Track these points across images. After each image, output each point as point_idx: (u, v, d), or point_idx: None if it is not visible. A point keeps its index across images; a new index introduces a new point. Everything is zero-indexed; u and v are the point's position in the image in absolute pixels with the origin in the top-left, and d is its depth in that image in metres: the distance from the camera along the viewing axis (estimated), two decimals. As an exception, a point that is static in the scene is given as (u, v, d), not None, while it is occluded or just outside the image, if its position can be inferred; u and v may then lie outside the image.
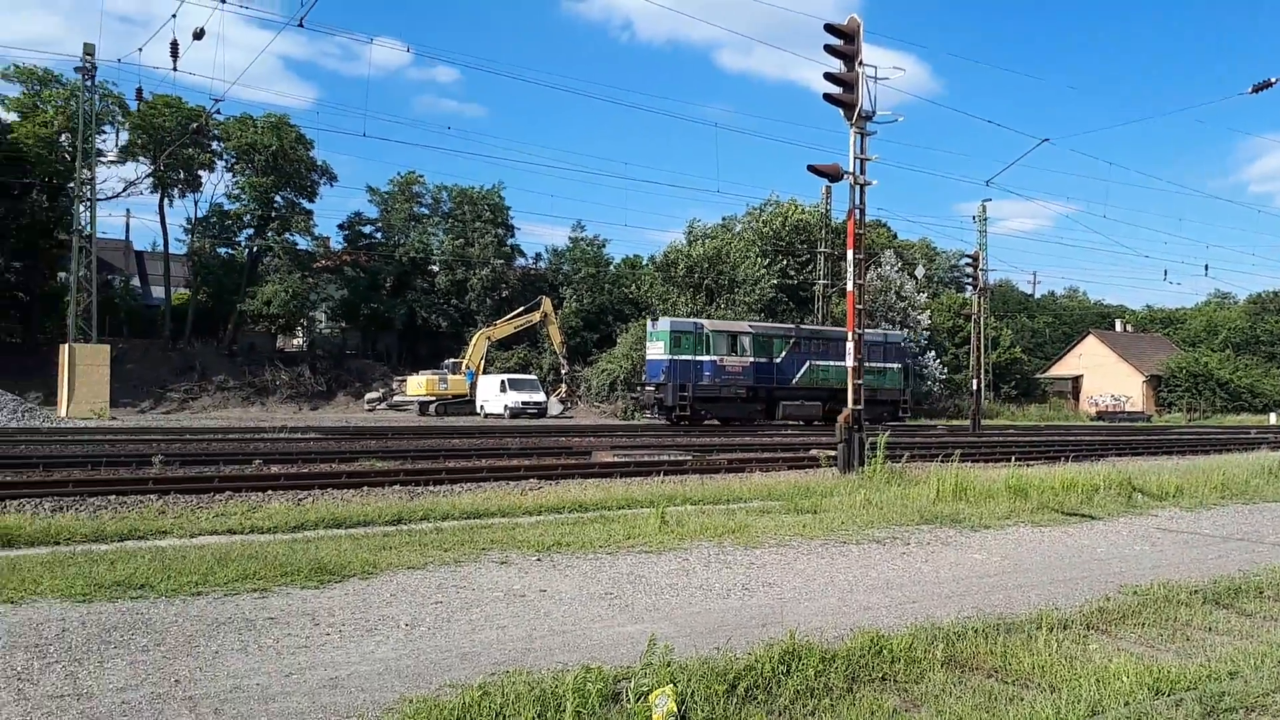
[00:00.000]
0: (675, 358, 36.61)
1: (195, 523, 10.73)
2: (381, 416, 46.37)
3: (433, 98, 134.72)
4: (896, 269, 59.47)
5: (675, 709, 4.70)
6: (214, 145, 53.26)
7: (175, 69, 26.97)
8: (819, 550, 9.83)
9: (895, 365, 42.53)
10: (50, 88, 46.50)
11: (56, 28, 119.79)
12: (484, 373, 48.78)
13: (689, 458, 20.34)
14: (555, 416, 47.10)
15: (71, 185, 41.08)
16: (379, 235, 62.34)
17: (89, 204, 40.12)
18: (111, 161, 48.49)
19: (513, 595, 7.50)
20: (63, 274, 44.98)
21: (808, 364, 40.10)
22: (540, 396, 47.10)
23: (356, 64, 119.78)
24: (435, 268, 59.22)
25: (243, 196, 54.18)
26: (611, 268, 64.05)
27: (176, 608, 6.81)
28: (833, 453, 18.50)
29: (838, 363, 37.79)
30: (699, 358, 37.02)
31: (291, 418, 40.96)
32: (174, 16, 22.96)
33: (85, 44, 39.36)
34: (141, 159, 50.03)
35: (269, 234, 54.27)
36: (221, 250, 56.47)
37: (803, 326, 43.52)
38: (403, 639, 6.23)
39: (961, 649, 6.08)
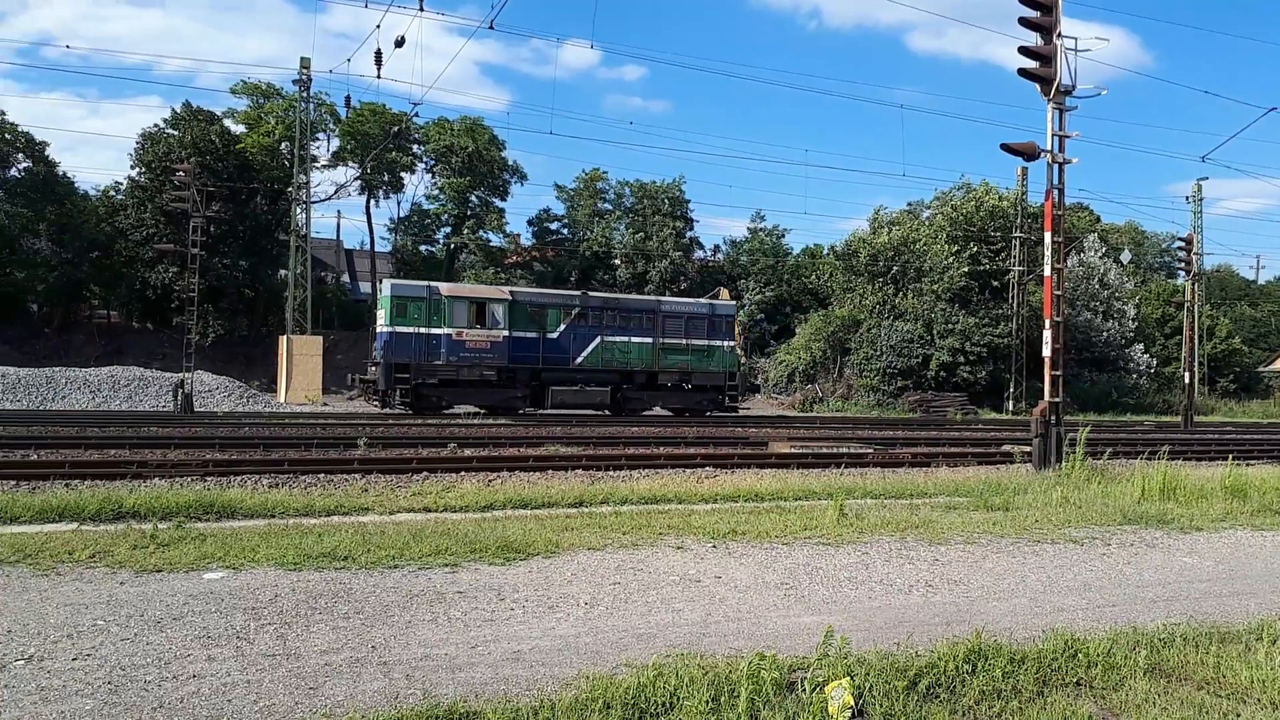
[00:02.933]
0: (397, 329, 29.17)
1: (394, 501, 11.41)
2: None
3: (620, 96, 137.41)
4: (1099, 254, 55.66)
5: (852, 702, 4.59)
6: (414, 149, 56.35)
7: (379, 76, 28.74)
8: (1009, 549, 9.34)
9: (724, 343, 34.35)
10: (272, 100, 50.60)
11: (280, 46, 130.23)
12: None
13: (870, 451, 19.82)
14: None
15: (290, 190, 44.57)
16: (565, 231, 64.21)
17: (305, 207, 43.40)
18: (324, 166, 52.33)
19: (688, 580, 7.54)
20: (282, 271, 48.91)
21: (598, 339, 32.05)
22: (718, 388, 47.08)
23: (547, 66, 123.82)
24: (617, 261, 60.38)
25: (441, 197, 57.11)
26: (791, 258, 63.27)
27: (375, 579, 7.26)
28: (1028, 448, 17.54)
29: (638, 339, 32.62)
30: (432, 330, 29.39)
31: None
32: (378, 27, 24.52)
33: (302, 58, 42.75)
34: (350, 163, 53.66)
35: (465, 232, 56.92)
36: (422, 248, 59.72)
37: (591, 294, 34.82)
38: (582, 617, 6.39)
39: (1167, 657, 5.62)
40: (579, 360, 31.70)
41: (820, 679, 4.84)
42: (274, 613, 6.24)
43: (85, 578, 7.11)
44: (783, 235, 63.52)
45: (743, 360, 37.41)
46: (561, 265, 61.42)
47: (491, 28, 20.55)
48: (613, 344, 32.18)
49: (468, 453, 16.93)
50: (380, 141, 49.81)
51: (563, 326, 31.62)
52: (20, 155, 45.23)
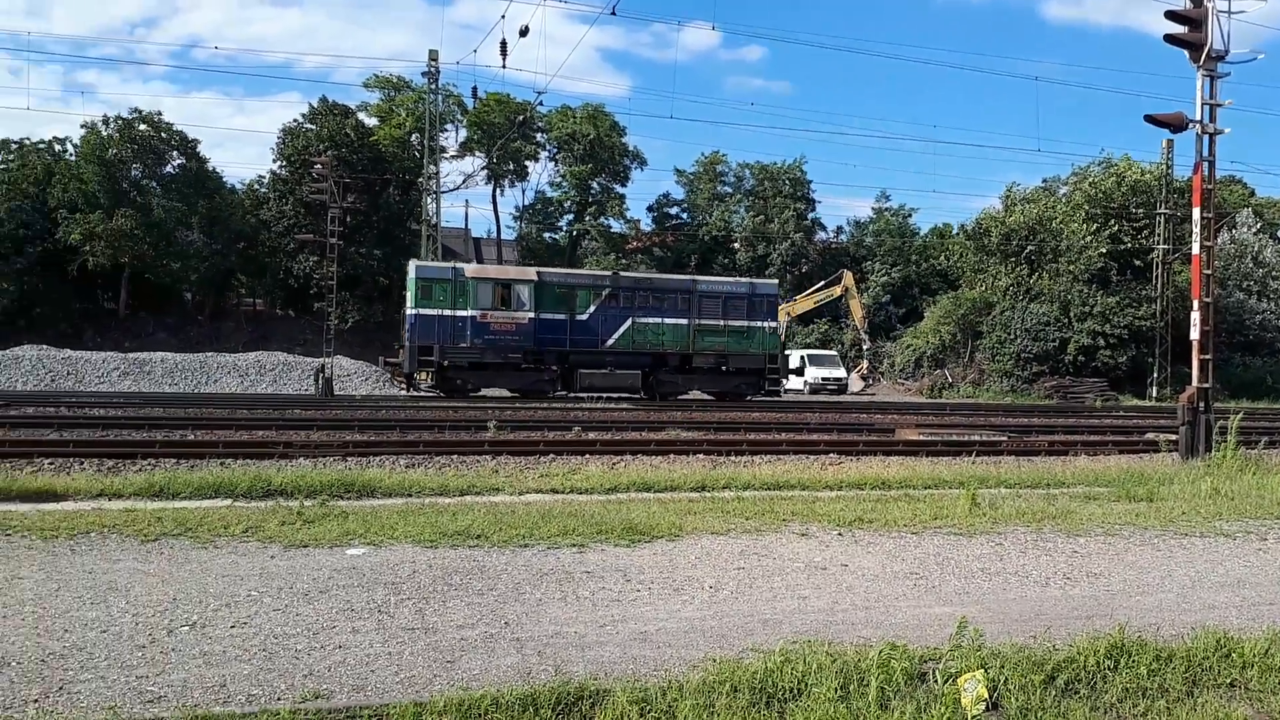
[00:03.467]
0: (422, 311, 28.90)
1: (523, 482, 11.72)
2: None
3: (741, 77, 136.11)
4: (1254, 230, 52.09)
5: (986, 694, 4.49)
6: (538, 137, 57.32)
7: (504, 66, 29.38)
8: (1154, 541, 8.91)
9: (765, 324, 32.52)
10: (403, 93, 52.30)
11: (410, 40, 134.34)
12: (783, 349, 48.80)
13: (1004, 438, 19.17)
14: (856, 393, 46.22)
15: (420, 180, 46.04)
16: (684, 215, 64.21)
17: (435, 196, 44.78)
18: (452, 157, 53.83)
19: (813, 567, 7.49)
20: (413, 259, 50.74)
21: (629, 321, 30.86)
22: (841, 373, 46.38)
23: (668, 50, 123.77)
24: (736, 245, 60.03)
25: (563, 184, 57.96)
26: (918, 238, 61.57)
27: (506, 557, 7.49)
28: (1173, 437, 16.64)
29: (672, 320, 31.30)
30: (457, 313, 28.97)
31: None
32: (503, 17, 25.02)
33: (430, 51, 43.88)
34: (477, 153, 55.02)
35: (586, 218, 57.62)
36: (546, 235, 60.77)
37: (622, 274, 33.97)
38: (707, 600, 6.43)
39: (1335, 662, 5.27)
40: (610, 342, 30.68)
41: (953, 670, 4.75)
42: (412, 588, 6.52)
43: (240, 551, 7.58)
44: (909, 215, 61.94)
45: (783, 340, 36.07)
46: (681, 250, 61.49)
47: (614, 13, 20.70)
48: (645, 325, 31.02)
49: (591, 436, 17.21)
50: (505, 131, 50.88)
51: (593, 308, 30.74)
52: (175, 153, 48.16)
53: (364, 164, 47.39)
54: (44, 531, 7.95)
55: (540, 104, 44.08)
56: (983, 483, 12.48)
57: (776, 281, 38.82)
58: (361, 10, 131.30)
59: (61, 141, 47.77)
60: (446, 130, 51.16)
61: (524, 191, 60.55)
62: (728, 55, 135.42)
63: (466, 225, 73.21)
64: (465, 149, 54.80)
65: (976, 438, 19.15)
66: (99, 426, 16.53)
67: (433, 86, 43.79)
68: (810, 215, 61.72)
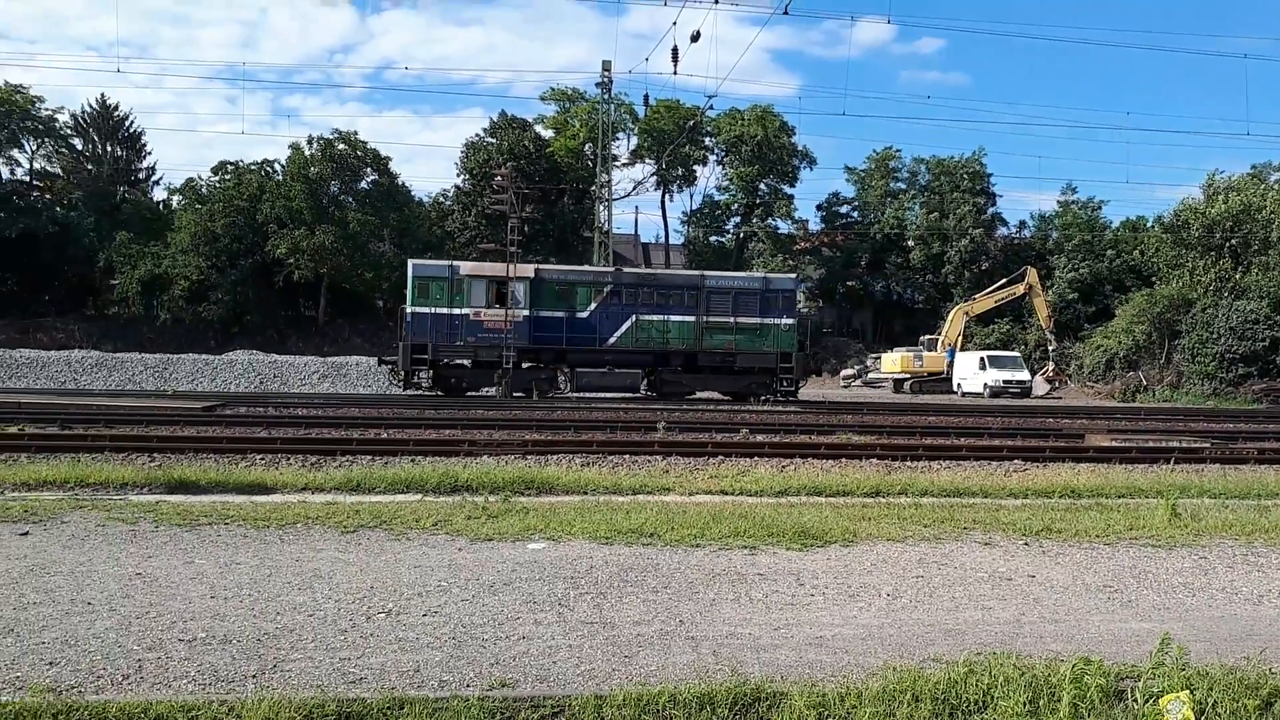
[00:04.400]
0: (418, 310, 28.55)
1: (693, 482, 11.81)
2: (857, 393, 46.83)
3: (915, 71, 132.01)
4: None
5: (1192, 717, 4.19)
6: (706, 141, 57.58)
7: (675, 73, 29.63)
8: (1391, 562, 8.04)
9: (780, 321, 30.64)
10: (576, 104, 53.79)
11: (584, 51, 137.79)
12: (962, 349, 46.92)
13: (1206, 445, 17.75)
14: (1040, 396, 43.85)
15: (593, 189, 47.14)
16: (855, 214, 62.89)
17: (606, 204, 45.76)
18: (623, 164, 54.88)
19: (998, 577, 7.19)
20: (588, 266, 52.17)
21: (633, 319, 29.67)
22: (1024, 375, 44.15)
23: (839, 47, 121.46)
24: (910, 243, 58.22)
25: (731, 187, 57.99)
26: (1109, 232, 57.82)
27: (678, 556, 7.58)
28: None
29: (677, 317, 29.89)
30: (452, 310, 28.53)
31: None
32: (674, 24, 25.26)
33: (604, 62, 44.95)
34: (647, 160, 55.85)
35: (754, 220, 57.41)
36: (713, 239, 60.95)
37: (625, 270, 33.12)
38: (884, 608, 6.30)
39: None
40: (611, 340, 29.64)
41: (1155, 690, 4.46)
42: (590, 583, 6.71)
43: (430, 543, 8.01)
44: (1098, 207, 58.29)
45: (805, 340, 33.02)
46: (852, 249, 60.25)
47: (786, 13, 20.47)
48: (649, 323, 29.82)
49: (760, 439, 17.12)
50: (675, 137, 51.41)
51: (593, 305, 29.77)
52: (369, 169, 51.31)
53: (540, 174, 49.01)
54: (257, 521, 8.66)
55: (710, 108, 44.27)
56: (1183, 492, 11.63)
57: (794, 275, 36.55)
58: (538, 25, 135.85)
59: (270, 162, 51.86)
60: (618, 139, 52.24)
61: (692, 196, 61.05)
62: (901, 49, 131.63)
63: (636, 231, 74.35)
64: (636, 156, 55.77)
65: (1175, 444, 17.81)
66: (302, 425, 17.83)
67: (605, 96, 44.79)
68: (990, 210, 59.16)
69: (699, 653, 5.28)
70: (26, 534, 7.96)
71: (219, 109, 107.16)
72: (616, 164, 51.22)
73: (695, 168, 58.38)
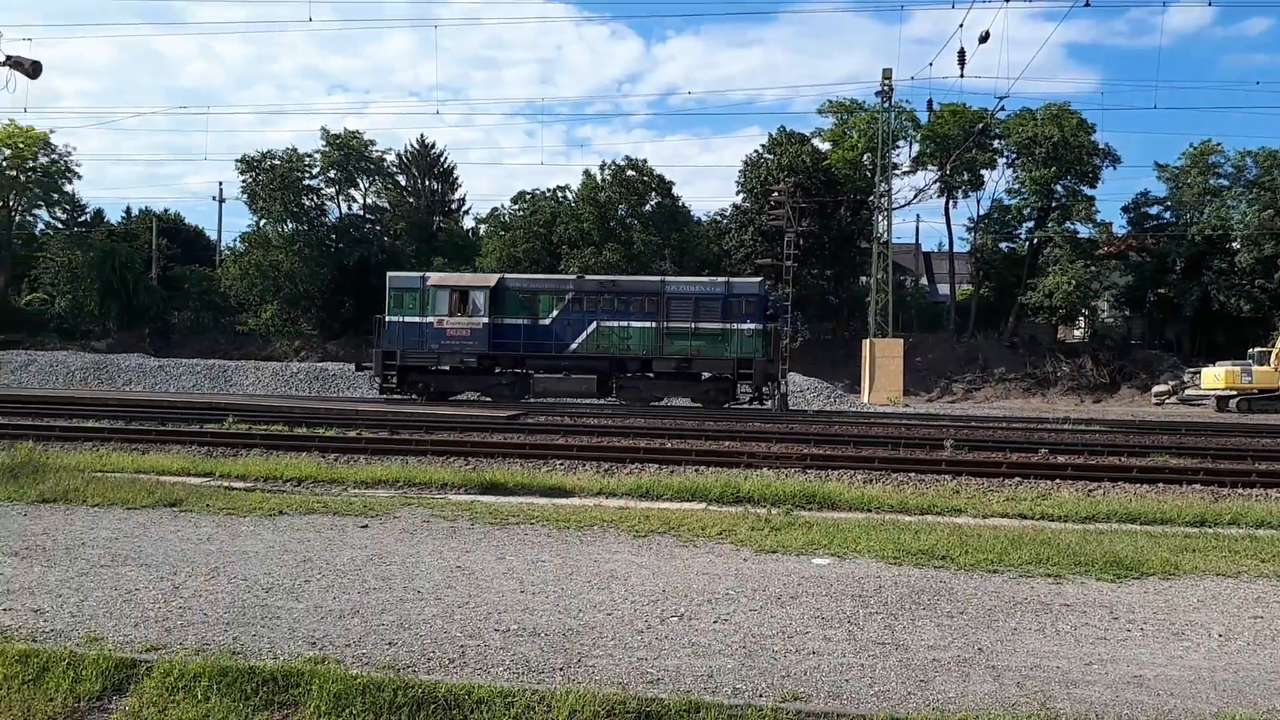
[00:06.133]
0: (391, 319, 29.95)
1: (986, 505, 11.21)
2: (1171, 411, 42.22)
3: (1240, 54, 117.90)
4: None
5: None
6: (994, 144, 54.58)
7: (962, 75, 28.38)
8: None
9: (744, 326, 29.12)
10: (855, 115, 52.95)
11: (863, 61, 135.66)
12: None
13: None
14: None
15: (870, 199, 46.06)
16: (1167, 215, 56.90)
17: (886, 214, 44.61)
18: (905, 173, 53.25)
19: (1362, 626, 6.24)
20: (863, 278, 50.92)
21: (594, 325, 29.52)
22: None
23: (1146, 36, 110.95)
24: (1236, 244, 51.75)
25: (1022, 190, 54.46)
26: None
27: (974, 582, 7.23)
28: None
29: (639, 323, 29.20)
30: (421, 319, 29.56)
31: (1073, 409, 39.88)
32: (961, 26, 24.26)
33: (884, 70, 43.98)
34: (929, 167, 53.81)
35: (1049, 225, 53.60)
36: (1002, 245, 57.55)
37: (587, 278, 32.30)
38: (1215, 649, 5.67)
39: None
40: (573, 347, 29.74)
41: None
42: (879, 603, 6.56)
43: (715, 551, 8.18)
44: None
45: (783, 343, 30.68)
46: (1164, 253, 54.49)
47: (1087, 4, 19.02)
48: (610, 329, 29.60)
49: (1061, 459, 15.93)
50: (960, 142, 49.17)
51: (555, 312, 29.98)
52: (653, 193, 53.39)
53: (817, 187, 48.65)
54: (558, 522, 9.25)
55: (1002, 109, 41.81)
56: None
57: (760, 280, 33.27)
58: (817, 40, 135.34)
59: (563, 189, 55.30)
60: (898, 147, 50.68)
61: (979, 202, 57.82)
62: (1223, 32, 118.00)
63: (917, 240, 71.84)
64: (917, 163, 53.84)
65: None
66: (594, 434, 18.82)
67: (886, 105, 43.72)
68: (1341, 205, 51.32)
69: (1001, 683, 5.02)
70: (366, 527, 9.00)
71: (520, 142, 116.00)
72: (897, 173, 49.75)
73: (983, 172, 55.40)
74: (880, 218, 45.09)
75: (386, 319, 30.47)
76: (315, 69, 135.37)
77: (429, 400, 29.62)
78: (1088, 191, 54.94)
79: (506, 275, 33.08)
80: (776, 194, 35.11)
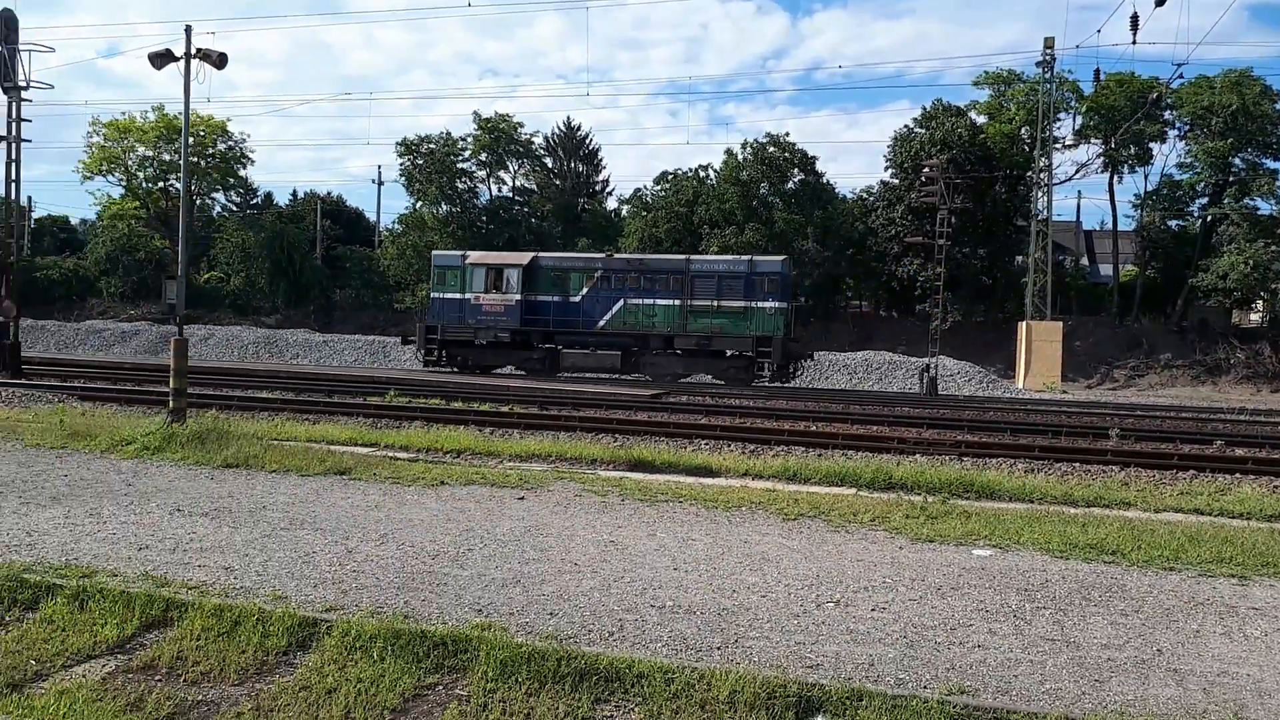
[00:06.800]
0: (435, 295, 32.03)
1: (1158, 498, 10.58)
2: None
3: None
4: None
5: None
6: (1165, 115, 51.10)
7: (1134, 42, 26.70)
8: None
9: (766, 304, 29.49)
10: (1013, 87, 50.53)
11: (1022, 31, 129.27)
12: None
13: None
14: None
15: (1028, 175, 43.95)
16: (1371, 188, 51.94)
17: (1045, 190, 42.51)
18: (1067, 146, 50.49)
19: None
20: (1019, 258, 48.66)
21: (621, 302, 30.42)
22: None
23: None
24: None
25: (1195, 164, 50.80)
26: None
27: (1149, 579, 6.85)
28: None
29: (664, 301, 30.03)
30: (460, 296, 31.13)
31: (1249, 399, 37.12)
32: (1131, -11, 22.65)
33: (1045, 39, 41.77)
34: (1093, 140, 50.88)
35: (1225, 201, 49.85)
36: (1171, 223, 53.92)
37: (615, 256, 33.07)
38: None
39: None
40: (601, 324, 30.59)
41: None
42: (1046, 597, 6.30)
43: (869, 538, 8.04)
44: None
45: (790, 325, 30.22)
46: (1366, 232, 49.82)
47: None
48: (636, 307, 30.36)
49: (1240, 452, 14.83)
50: (1128, 114, 46.24)
51: (585, 290, 30.94)
52: (796, 170, 52.53)
53: (971, 163, 46.77)
54: (706, 502, 9.28)
55: (1180, 77, 39.05)
56: None
57: (783, 258, 32.49)
58: (973, 9, 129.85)
59: (705, 168, 55.10)
60: (1060, 119, 48.06)
61: (1146, 177, 54.21)
62: None
63: (1078, 218, 68.38)
64: (1080, 137, 50.91)
65: None
66: (737, 414, 18.75)
67: (1047, 75, 41.57)
68: None
69: (1185, 688, 4.74)
70: (522, 499, 9.27)
71: (663, 122, 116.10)
72: (1057, 146, 47.20)
73: (1151, 145, 51.92)
74: (1039, 194, 43.00)
75: (431, 295, 32.65)
76: (469, 54, 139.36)
77: (469, 372, 30.99)
78: (1270, 165, 50.76)
79: (540, 254, 34.23)
80: (928, 169, 33.92)
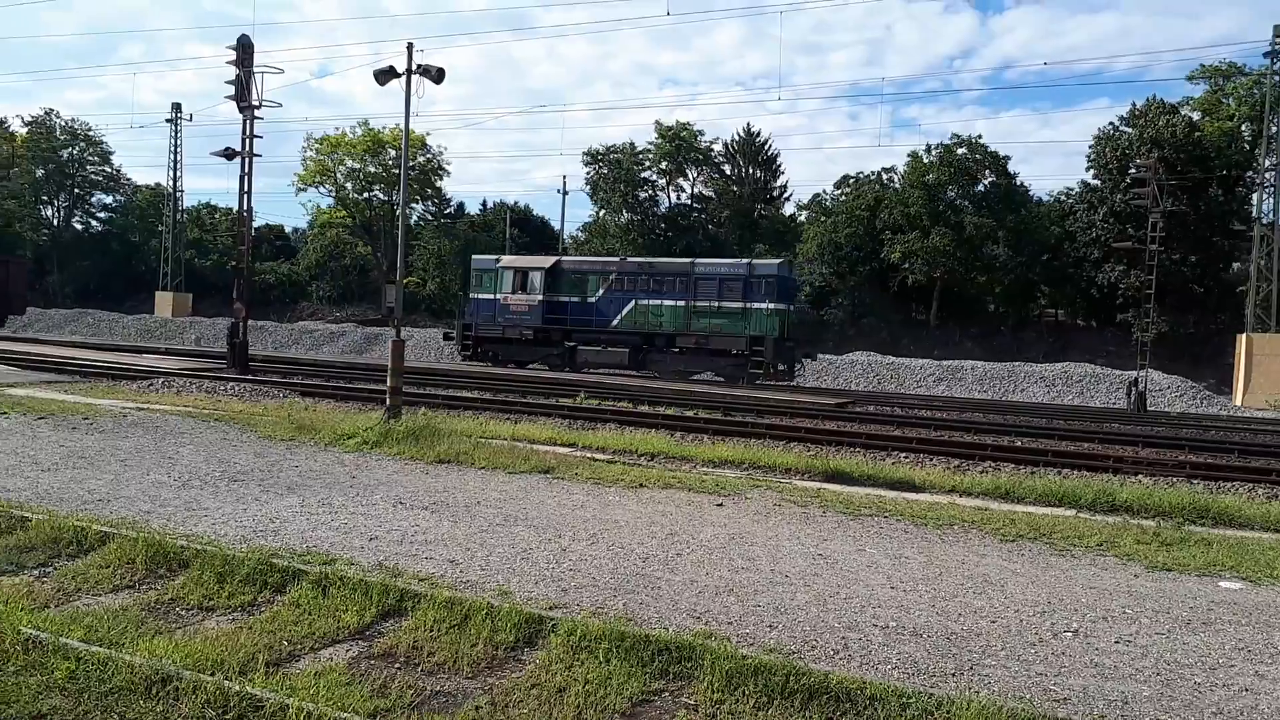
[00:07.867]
0: (472, 296, 34.60)
1: None
2: None
3: None
4: None
5: None
6: None
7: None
8: None
9: (763, 305, 29.72)
10: (1233, 80, 46.57)
11: (1241, 19, 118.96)
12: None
13: None
14: None
15: (1250, 174, 40.31)
16: None
17: (1271, 191, 38.86)
18: (1295, 143, 46.01)
19: None
20: (1236, 264, 44.69)
21: (633, 303, 31.84)
22: None
23: None
24: None
25: None
26: None
27: None
28: None
29: (671, 302, 31.13)
30: (493, 296, 33.62)
31: None
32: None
33: (1275, 26, 38.07)
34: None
35: None
36: None
37: (629, 259, 34.60)
38: None
39: None
40: (614, 323, 32.05)
41: None
42: (1320, 641, 5.67)
43: (1098, 564, 7.51)
44: None
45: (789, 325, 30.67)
46: None
47: None
48: (646, 307, 31.74)
49: None
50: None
51: (601, 291, 32.36)
52: (987, 171, 50.26)
53: (1184, 163, 43.36)
54: (913, 518, 8.94)
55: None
56: None
57: (780, 261, 33.74)
58: (1182, 0, 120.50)
59: (888, 171, 53.64)
60: (1289, 113, 43.77)
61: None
62: None
63: (1309, 221, 62.03)
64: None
65: None
66: (931, 427, 18.07)
67: (1274, 67, 38.03)
68: None
69: None
70: (721, 505, 9.23)
71: (843, 125, 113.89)
72: (1286, 144, 43.05)
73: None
74: (1263, 195, 39.40)
75: (470, 295, 35.11)
76: (647, 65, 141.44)
77: (499, 364, 33.28)
78: None
79: (562, 258, 36.59)
80: (1137, 170, 31.63)
